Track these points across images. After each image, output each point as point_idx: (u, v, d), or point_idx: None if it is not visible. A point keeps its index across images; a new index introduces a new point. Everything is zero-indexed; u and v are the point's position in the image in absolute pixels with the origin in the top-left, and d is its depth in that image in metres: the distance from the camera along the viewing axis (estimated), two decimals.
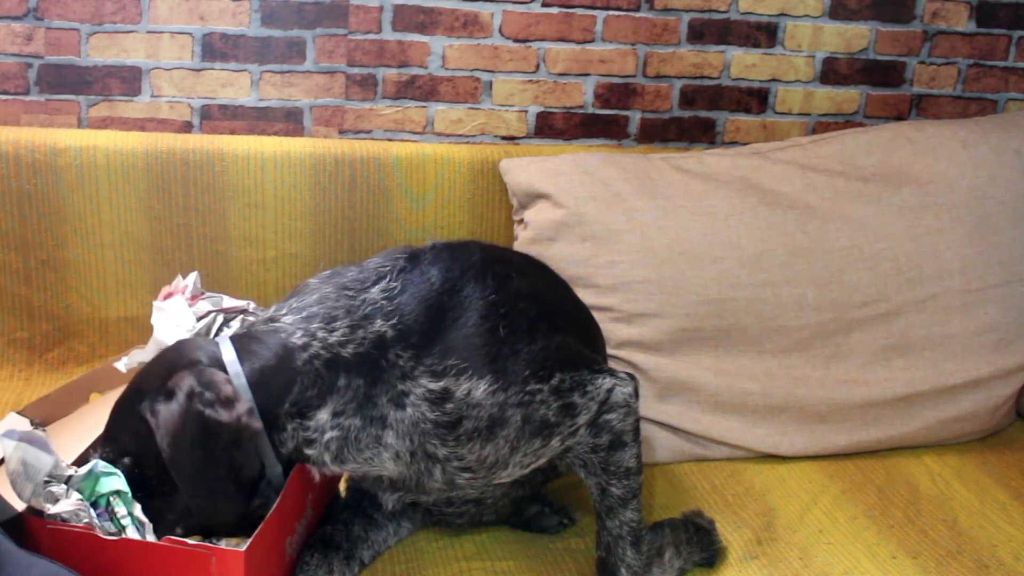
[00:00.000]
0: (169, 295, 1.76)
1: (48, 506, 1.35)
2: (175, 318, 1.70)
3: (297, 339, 1.42)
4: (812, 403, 2.03)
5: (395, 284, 1.48)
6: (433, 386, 1.43)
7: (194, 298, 1.75)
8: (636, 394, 1.59)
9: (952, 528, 1.81)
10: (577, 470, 1.59)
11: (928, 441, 2.09)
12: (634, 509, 1.56)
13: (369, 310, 1.45)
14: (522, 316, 1.50)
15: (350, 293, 1.47)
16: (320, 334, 1.42)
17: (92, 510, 1.35)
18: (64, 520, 1.35)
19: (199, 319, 1.71)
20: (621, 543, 1.56)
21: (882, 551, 1.73)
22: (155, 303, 1.74)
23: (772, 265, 2.05)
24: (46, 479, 1.36)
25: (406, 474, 1.48)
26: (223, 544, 1.40)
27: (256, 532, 1.36)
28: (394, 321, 1.44)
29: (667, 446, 2.00)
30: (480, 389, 1.44)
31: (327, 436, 1.42)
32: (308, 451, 1.43)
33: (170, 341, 1.64)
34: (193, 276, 1.78)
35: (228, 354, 1.41)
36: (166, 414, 1.34)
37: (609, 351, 2.00)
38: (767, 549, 1.73)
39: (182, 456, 1.34)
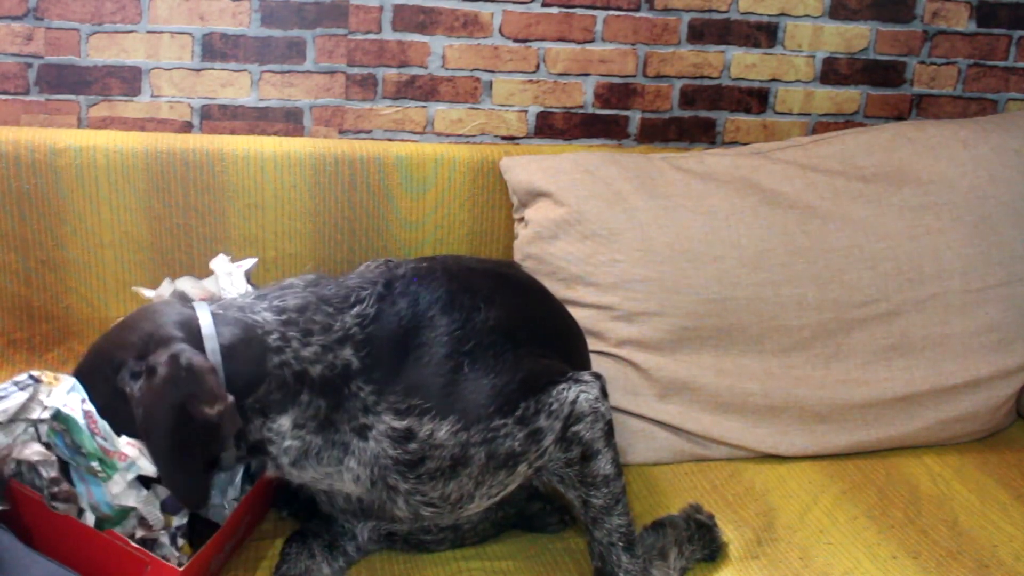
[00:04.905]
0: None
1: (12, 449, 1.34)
2: (232, 278, 1.71)
3: (272, 341, 1.43)
4: (812, 403, 2.03)
5: (370, 311, 1.49)
6: (397, 424, 1.45)
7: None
8: (604, 394, 1.57)
9: (952, 528, 1.81)
10: (556, 485, 1.58)
11: (928, 441, 2.09)
12: (620, 514, 1.55)
13: (342, 335, 1.46)
14: (488, 350, 1.51)
15: (329, 310, 1.48)
16: (295, 343, 1.44)
17: (56, 465, 1.34)
18: (30, 465, 1.33)
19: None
20: (614, 550, 1.55)
21: (882, 551, 1.73)
22: (215, 262, 1.75)
23: (772, 264, 2.05)
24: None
25: (368, 498, 1.50)
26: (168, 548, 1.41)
27: (197, 553, 1.38)
28: (362, 354, 1.46)
29: (667, 446, 2.00)
30: (443, 430, 1.45)
31: (287, 443, 1.44)
32: (269, 448, 1.45)
33: (224, 290, 1.66)
34: (251, 262, 1.78)
35: (207, 329, 1.41)
36: (147, 394, 1.34)
37: (609, 350, 2.00)
38: (767, 549, 1.73)
39: (157, 436, 1.34)
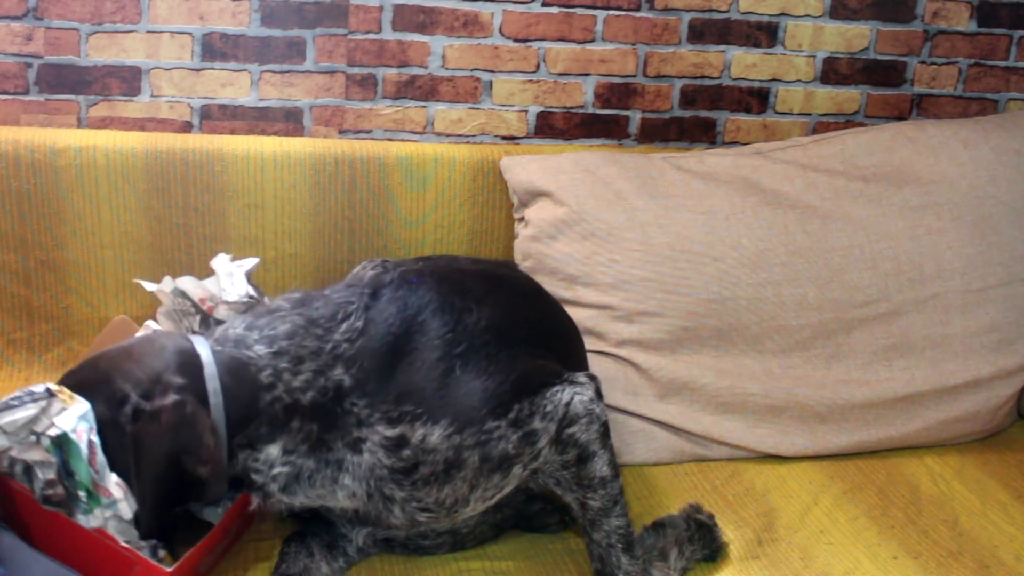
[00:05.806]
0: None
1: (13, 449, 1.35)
2: (233, 278, 1.71)
3: (264, 378, 1.43)
4: (813, 403, 2.03)
5: (358, 324, 1.49)
6: (389, 433, 1.44)
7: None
8: (599, 395, 1.56)
9: (953, 529, 1.81)
10: (552, 488, 1.58)
11: (929, 441, 2.08)
12: (618, 516, 1.54)
13: (333, 355, 1.46)
14: (480, 352, 1.50)
15: (318, 331, 1.48)
16: (286, 376, 1.44)
17: (54, 466, 1.34)
18: (29, 465, 1.34)
19: (247, 296, 1.71)
20: (613, 552, 1.54)
21: (883, 551, 1.73)
22: (216, 261, 1.75)
23: (773, 265, 2.05)
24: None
25: (364, 510, 1.50)
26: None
27: (186, 555, 1.38)
28: (354, 370, 1.46)
29: (667, 446, 1.99)
30: (435, 434, 1.44)
31: (275, 470, 1.44)
32: (254, 477, 1.45)
33: (225, 291, 1.66)
34: (253, 262, 1.78)
35: (208, 368, 1.41)
36: (147, 437, 1.34)
37: (609, 350, 2.00)
38: (768, 549, 1.73)
39: (146, 478, 1.35)
